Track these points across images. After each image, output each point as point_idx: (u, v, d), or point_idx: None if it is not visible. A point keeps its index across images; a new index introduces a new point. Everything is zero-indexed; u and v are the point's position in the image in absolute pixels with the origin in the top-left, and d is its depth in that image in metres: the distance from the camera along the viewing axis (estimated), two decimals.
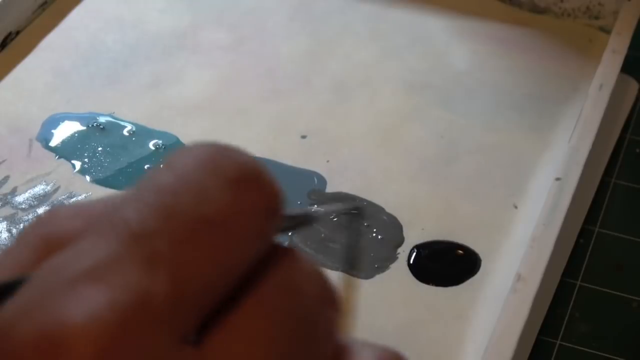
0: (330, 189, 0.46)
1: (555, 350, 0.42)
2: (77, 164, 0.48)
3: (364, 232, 0.44)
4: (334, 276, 0.42)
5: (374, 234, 0.44)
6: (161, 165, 0.19)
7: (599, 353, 0.42)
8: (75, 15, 0.57)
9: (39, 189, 0.47)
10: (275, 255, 0.19)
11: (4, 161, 0.48)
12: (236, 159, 0.19)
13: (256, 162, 0.19)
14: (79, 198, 0.46)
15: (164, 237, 0.17)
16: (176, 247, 0.17)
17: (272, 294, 0.18)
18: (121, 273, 0.17)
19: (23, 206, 0.46)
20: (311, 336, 0.19)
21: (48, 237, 0.19)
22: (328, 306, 0.20)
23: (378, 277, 0.42)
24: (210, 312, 0.18)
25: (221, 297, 0.18)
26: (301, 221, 0.40)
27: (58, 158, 0.48)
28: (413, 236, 0.44)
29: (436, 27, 0.55)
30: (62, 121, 0.50)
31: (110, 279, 0.16)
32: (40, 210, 0.46)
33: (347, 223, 0.42)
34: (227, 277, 0.18)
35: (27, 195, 0.47)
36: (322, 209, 0.42)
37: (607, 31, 0.54)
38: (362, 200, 0.46)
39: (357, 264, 0.42)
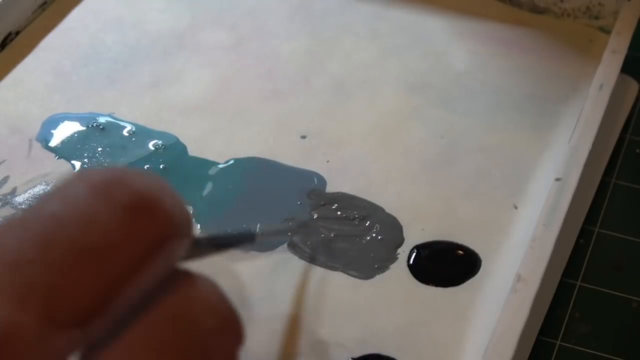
0: (330, 189, 0.46)
1: (555, 350, 0.42)
2: (77, 164, 0.48)
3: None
4: (338, 277, 0.42)
5: (374, 235, 0.44)
6: (52, 191, 0.19)
7: (599, 353, 0.42)
8: (75, 16, 0.57)
9: (39, 189, 0.47)
10: (176, 281, 0.19)
11: (3, 161, 0.48)
12: (132, 186, 0.19)
13: (155, 190, 0.19)
14: None
15: (39, 266, 0.17)
16: (50, 276, 0.17)
17: (160, 323, 0.19)
18: None
19: (23, 206, 0.46)
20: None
21: None
22: (226, 337, 0.20)
23: (378, 277, 0.42)
24: (103, 334, 0.18)
25: (112, 320, 0.18)
26: (243, 239, 0.41)
27: (58, 158, 0.48)
28: (413, 236, 0.44)
29: (436, 27, 0.55)
30: (62, 121, 0.50)
31: None
32: None
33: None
34: (109, 302, 0.18)
35: (27, 195, 0.47)
36: (263, 228, 0.42)
37: (607, 31, 0.54)
38: (361, 200, 0.46)
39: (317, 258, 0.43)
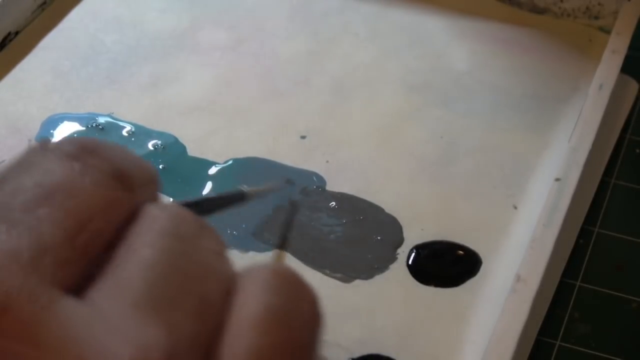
0: (329, 189, 0.46)
1: (555, 350, 0.42)
2: None
3: (298, 207, 0.45)
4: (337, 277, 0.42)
5: (374, 235, 0.44)
6: (19, 165, 0.21)
7: (599, 353, 0.42)
8: (74, 16, 0.57)
9: None
10: (143, 212, 0.21)
11: (2, 162, 0.48)
12: (72, 139, 0.21)
13: (93, 139, 0.21)
14: None
15: (16, 209, 0.19)
16: (28, 212, 0.19)
17: (137, 237, 0.20)
18: None
19: None
20: (189, 268, 0.20)
21: None
22: (203, 238, 0.21)
23: (377, 277, 0.42)
24: (89, 268, 0.19)
25: (93, 252, 0.20)
26: (233, 199, 0.41)
27: None
28: (413, 236, 0.44)
29: (436, 27, 0.55)
30: (61, 121, 0.50)
31: None
32: None
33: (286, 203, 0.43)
34: (87, 231, 0.19)
35: None
36: (254, 188, 0.42)
37: (607, 31, 0.54)
38: (361, 200, 0.46)
39: (286, 241, 0.43)
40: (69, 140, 0.21)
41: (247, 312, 0.20)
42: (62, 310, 0.18)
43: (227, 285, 0.20)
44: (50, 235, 0.19)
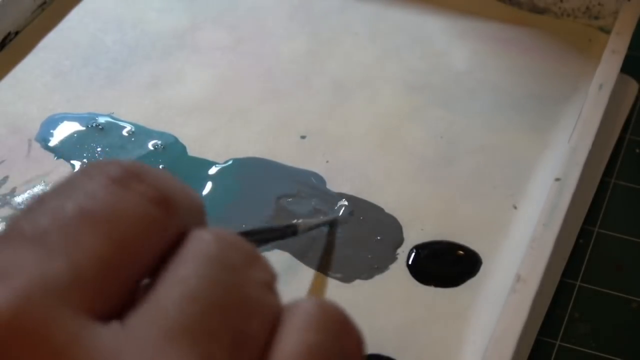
0: (329, 189, 0.46)
1: (555, 350, 0.42)
2: (77, 164, 0.48)
3: (337, 239, 0.44)
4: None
5: (374, 235, 0.44)
6: (63, 186, 0.20)
7: (599, 353, 0.42)
8: (74, 16, 0.57)
9: (38, 189, 0.47)
10: (190, 236, 0.20)
11: (3, 161, 0.48)
12: (118, 162, 0.20)
13: (138, 163, 0.21)
14: None
15: (55, 232, 0.19)
16: (67, 237, 0.19)
17: (183, 263, 0.19)
18: (20, 265, 0.18)
19: (22, 206, 0.46)
20: (234, 301, 0.19)
21: None
22: (253, 268, 0.20)
23: (377, 277, 0.42)
24: (131, 294, 0.19)
25: (134, 278, 0.19)
26: (285, 232, 0.40)
27: (57, 158, 0.48)
28: (412, 236, 0.44)
29: (436, 27, 0.55)
30: (61, 121, 0.50)
31: (12, 272, 0.18)
32: None
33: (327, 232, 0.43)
34: (127, 258, 0.19)
35: (26, 195, 0.47)
36: (304, 222, 0.42)
37: (607, 31, 0.54)
38: (361, 200, 0.46)
39: (330, 265, 0.43)
40: (114, 163, 0.20)
41: (288, 350, 0.19)
42: (93, 339, 0.18)
43: (272, 319, 0.20)
44: (86, 261, 0.18)
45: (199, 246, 0.20)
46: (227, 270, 0.20)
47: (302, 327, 0.20)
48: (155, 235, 0.20)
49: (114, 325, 0.18)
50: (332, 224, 0.44)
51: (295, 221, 0.42)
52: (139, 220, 0.19)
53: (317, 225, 0.43)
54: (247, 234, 0.32)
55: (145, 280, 0.20)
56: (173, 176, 0.21)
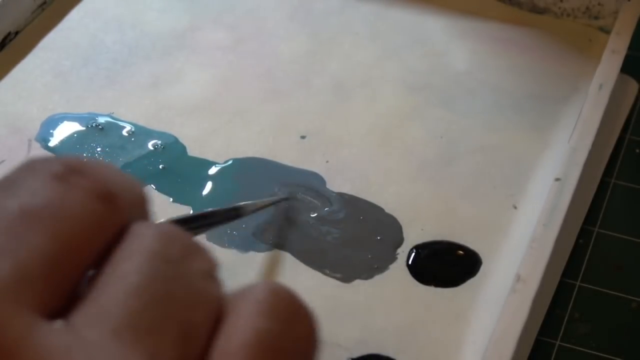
0: (329, 189, 0.46)
1: (555, 350, 0.42)
2: None
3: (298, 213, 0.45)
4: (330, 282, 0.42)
5: (374, 235, 0.44)
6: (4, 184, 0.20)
7: (599, 354, 0.42)
8: (74, 16, 0.57)
9: None
10: (131, 231, 0.20)
11: (2, 162, 0.48)
12: (59, 158, 0.20)
13: (80, 158, 0.21)
14: None
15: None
16: (11, 237, 0.18)
17: (122, 259, 0.19)
18: None
19: None
20: (176, 293, 0.19)
21: None
22: (193, 259, 0.20)
23: (377, 277, 0.42)
24: (75, 289, 0.19)
25: (77, 274, 0.19)
26: (228, 215, 0.41)
27: None
28: (412, 236, 0.44)
29: (436, 27, 0.55)
30: (61, 121, 0.50)
31: None
32: None
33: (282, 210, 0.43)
34: (71, 254, 0.19)
35: None
36: (252, 202, 0.42)
37: (607, 31, 0.54)
38: (361, 200, 0.46)
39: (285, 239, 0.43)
40: (55, 159, 0.20)
41: (236, 338, 0.19)
42: (40, 339, 0.18)
43: (217, 308, 0.20)
44: (31, 260, 0.18)
45: (140, 241, 0.20)
46: (168, 263, 0.19)
47: (251, 313, 0.20)
48: (98, 230, 0.20)
49: (61, 324, 0.18)
50: (291, 200, 0.45)
51: (239, 204, 0.42)
52: (82, 216, 0.19)
53: (264, 206, 0.43)
54: (191, 220, 0.33)
55: (90, 272, 0.20)
56: (116, 168, 0.21)
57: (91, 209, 0.20)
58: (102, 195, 0.20)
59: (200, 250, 0.20)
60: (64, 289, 0.19)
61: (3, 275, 0.18)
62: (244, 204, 0.41)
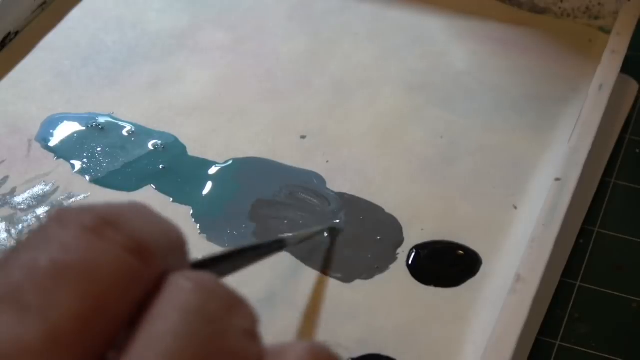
0: (329, 189, 0.46)
1: (555, 350, 0.42)
2: (77, 164, 0.48)
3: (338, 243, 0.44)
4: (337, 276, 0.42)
5: (374, 235, 0.44)
6: (36, 236, 0.19)
7: (599, 353, 0.42)
8: (74, 16, 0.57)
9: (38, 189, 0.47)
10: (168, 283, 0.19)
11: (3, 161, 0.48)
12: (90, 209, 0.19)
13: (113, 208, 0.20)
14: (78, 198, 0.46)
15: (29, 289, 0.18)
16: (42, 295, 0.18)
17: (159, 316, 0.19)
18: None
19: (22, 206, 0.46)
20: (217, 354, 0.19)
21: None
22: (233, 315, 0.19)
23: (377, 277, 0.42)
24: (109, 346, 0.18)
25: (111, 332, 0.18)
26: (272, 248, 0.40)
27: (57, 158, 0.48)
28: (412, 236, 0.44)
29: (436, 27, 0.55)
30: (61, 121, 0.50)
31: None
32: (40, 211, 0.46)
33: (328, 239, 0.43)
34: (104, 313, 0.18)
35: (26, 195, 0.47)
36: (294, 234, 0.41)
37: (607, 31, 0.54)
38: (361, 200, 0.46)
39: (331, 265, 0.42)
40: (88, 209, 0.19)
41: None
42: None
43: None
44: (63, 321, 0.18)
45: (177, 296, 0.19)
46: (206, 322, 0.19)
47: None
48: (133, 285, 0.19)
49: None
50: (332, 232, 0.44)
51: (282, 236, 0.41)
52: (116, 272, 0.19)
53: (308, 237, 0.43)
54: (234, 255, 0.32)
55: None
56: (150, 213, 0.20)
57: (125, 264, 0.19)
58: (136, 249, 0.19)
59: (241, 305, 0.20)
60: (96, 349, 0.18)
61: (34, 340, 0.17)
62: (286, 237, 0.41)
